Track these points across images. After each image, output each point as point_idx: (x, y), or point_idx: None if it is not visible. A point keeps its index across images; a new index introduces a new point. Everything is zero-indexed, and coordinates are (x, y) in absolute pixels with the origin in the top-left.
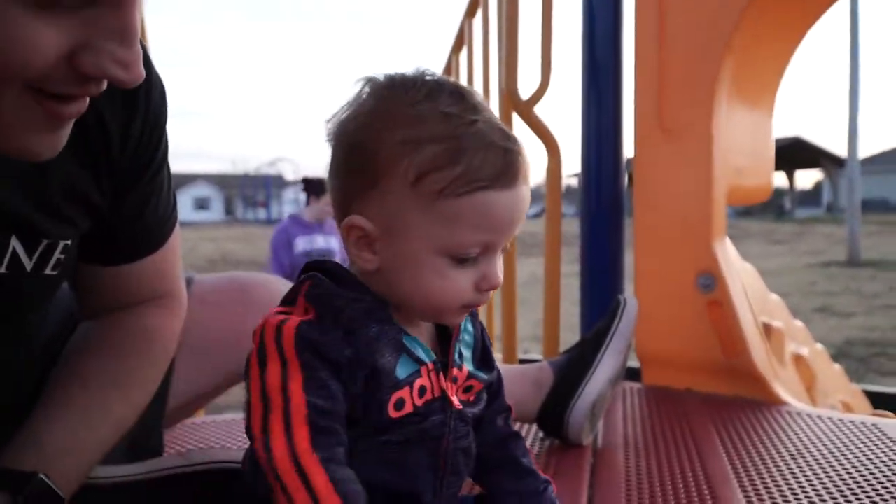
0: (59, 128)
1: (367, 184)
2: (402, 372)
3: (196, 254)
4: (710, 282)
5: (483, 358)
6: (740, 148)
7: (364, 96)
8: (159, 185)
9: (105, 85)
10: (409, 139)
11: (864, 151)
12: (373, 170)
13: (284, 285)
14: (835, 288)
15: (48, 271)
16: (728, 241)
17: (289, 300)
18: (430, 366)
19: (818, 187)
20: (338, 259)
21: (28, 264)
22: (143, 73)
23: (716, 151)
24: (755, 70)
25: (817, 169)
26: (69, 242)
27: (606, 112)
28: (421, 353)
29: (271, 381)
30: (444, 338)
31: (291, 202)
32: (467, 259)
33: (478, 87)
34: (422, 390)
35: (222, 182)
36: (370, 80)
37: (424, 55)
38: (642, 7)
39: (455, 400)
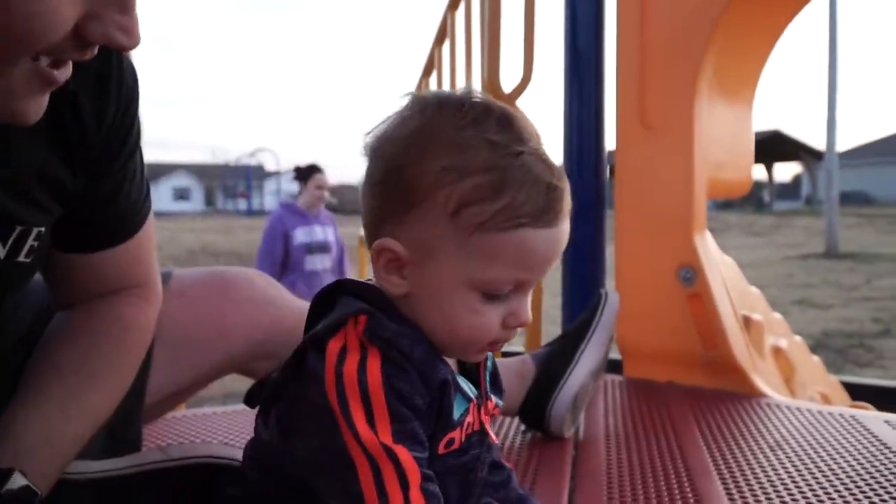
0: (48, 91)
1: (403, 208)
2: (457, 412)
3: (175, 245)
4: (691, 275)
5: (494, 380)
6: (721, 142)
7: (408, 115)
8: (132, 170)
9: (96, 50)
10: (452, 167)
11: (842, 145)
12: (411, 195)
13: (266, 281)
14: (813, 280)
15: (22, 258)
16: (708, 235)
17: (332, 328)
18: (475, 401)
19: (797, 180)
20: (334, 251)
21: (1, 252)
22: (141, 37)
23: (697, 146)
24: (736, 64)
25: (796, 162)
26: (42, 229)
27: (588, 106)
28: (466, 389)
29: (367, 437)
30: (462, 364)
31: (273, 193)
32: (499, 295)
33: (460, 81)
34: (468, 426)
35: (202, 172)
36: (415, 98)
37: (408, 45)
38: (624, 2)
39: (493, 436)
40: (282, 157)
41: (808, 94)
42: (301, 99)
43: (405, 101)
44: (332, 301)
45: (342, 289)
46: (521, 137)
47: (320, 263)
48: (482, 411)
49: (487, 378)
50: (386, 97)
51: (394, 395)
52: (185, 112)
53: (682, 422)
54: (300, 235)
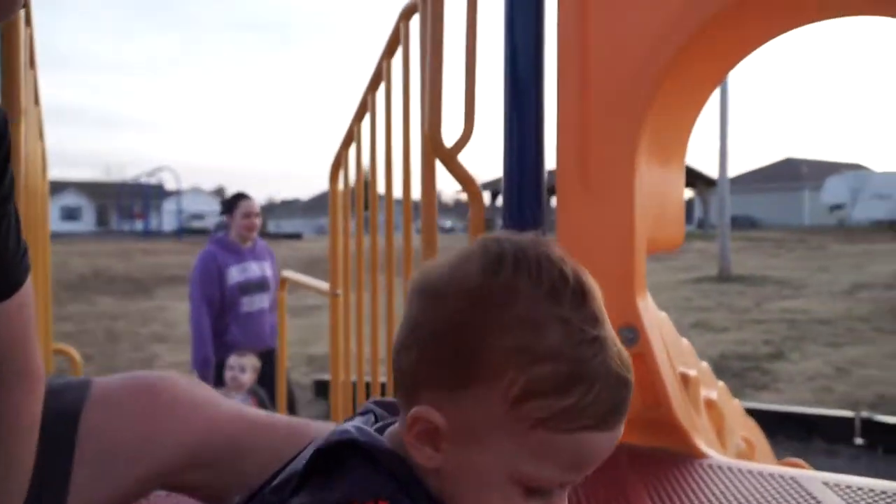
0: None
1: (457, 380)
2: None
3: (65, 269)
4: (633, 335)
5: None
6: (657, 200)
7: (478, 264)
8: (7, 217)
9: None
10: (522, 348)
11: (730, 172)
12: (471, 369)
13: (192, 382)
14: (708, 303)
15: None
16: (648, 295)
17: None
18: None
19: (689, 204)
20: (272, 290)
21: None
22: None
23: (637, 206)
24: (670, 129)
25: (688, 188)
26: None
27: (527, 163)
28: None
29: None
30: None
31: (172, 213)
32: (541, 491)
33: (397, 132)
34: None
35: (94, 190)
36: (489, 247)
37: (321, 61)
38: (564, 63)
39: None
40: (183, 176)
41: (700, 123)
42: (206, 116)
43: (473, 251)
44: (340, 456)
45: (355, 446)
46: (595, 316)
47: (258, 303)
48: None
49: None
50: (294, 117)
51: None
52: (76, 127)
53: (632, 491)
54: (234, 274)
